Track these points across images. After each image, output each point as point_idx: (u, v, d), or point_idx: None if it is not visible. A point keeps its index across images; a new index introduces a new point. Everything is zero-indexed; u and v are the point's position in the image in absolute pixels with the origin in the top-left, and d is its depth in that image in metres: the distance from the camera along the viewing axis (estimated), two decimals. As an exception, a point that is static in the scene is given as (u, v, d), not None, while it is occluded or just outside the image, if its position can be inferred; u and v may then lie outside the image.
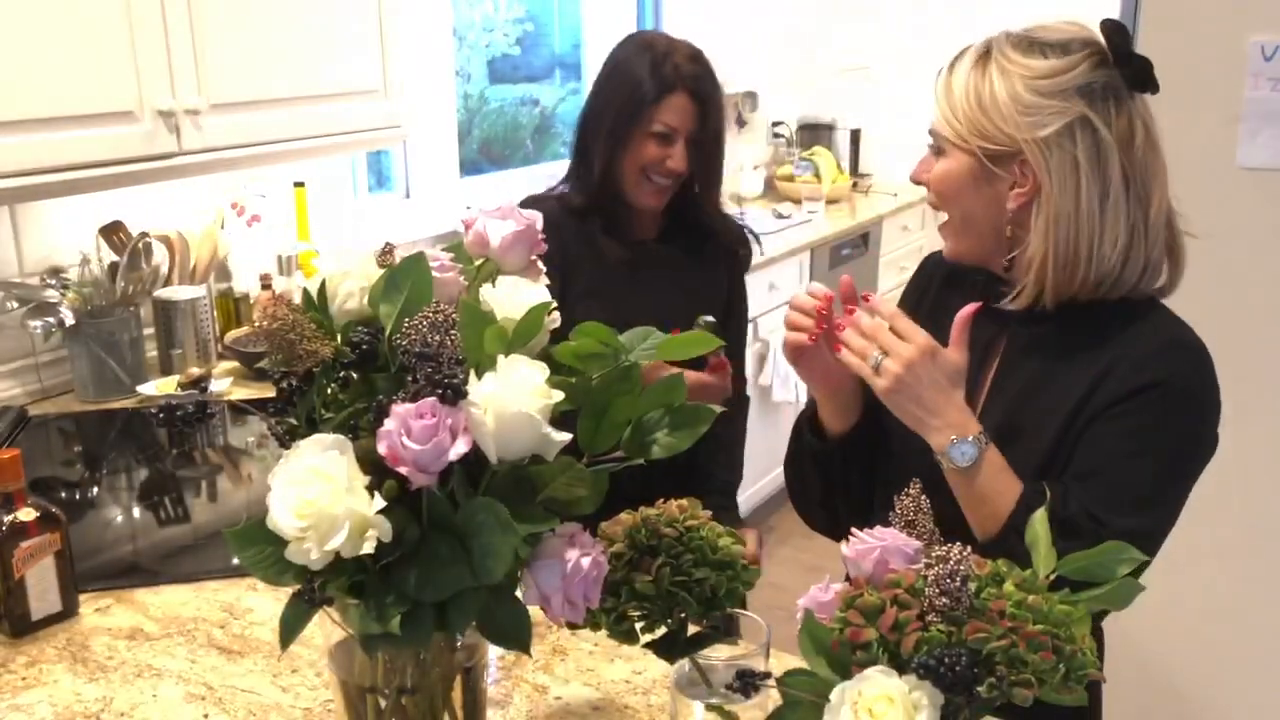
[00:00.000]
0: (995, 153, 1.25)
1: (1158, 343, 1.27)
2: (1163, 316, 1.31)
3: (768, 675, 0.96)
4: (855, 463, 1.42)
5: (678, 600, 0.99)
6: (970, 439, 1.22)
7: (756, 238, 2.16)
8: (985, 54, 1.27)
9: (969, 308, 1.26)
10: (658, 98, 1.88)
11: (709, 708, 1.03)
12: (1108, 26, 1.25)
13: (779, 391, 3.79)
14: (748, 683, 0.96)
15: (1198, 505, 2.19)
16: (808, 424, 1.45)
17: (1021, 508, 1.20)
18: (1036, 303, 1.28)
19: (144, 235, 2.23)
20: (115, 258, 2.22)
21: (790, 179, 4.63)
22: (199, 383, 2.17)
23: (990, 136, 1.25)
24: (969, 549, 0.88)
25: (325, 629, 0.99)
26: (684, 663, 1.07)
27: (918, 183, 1.36)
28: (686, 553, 1.00)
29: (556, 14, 4.06)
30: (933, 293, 1.48)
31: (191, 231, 2.42)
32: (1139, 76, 1.25)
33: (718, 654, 1.06)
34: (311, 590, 0.88)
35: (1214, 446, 1.28)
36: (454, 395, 0.86)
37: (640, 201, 1.93)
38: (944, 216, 1.36)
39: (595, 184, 1.94)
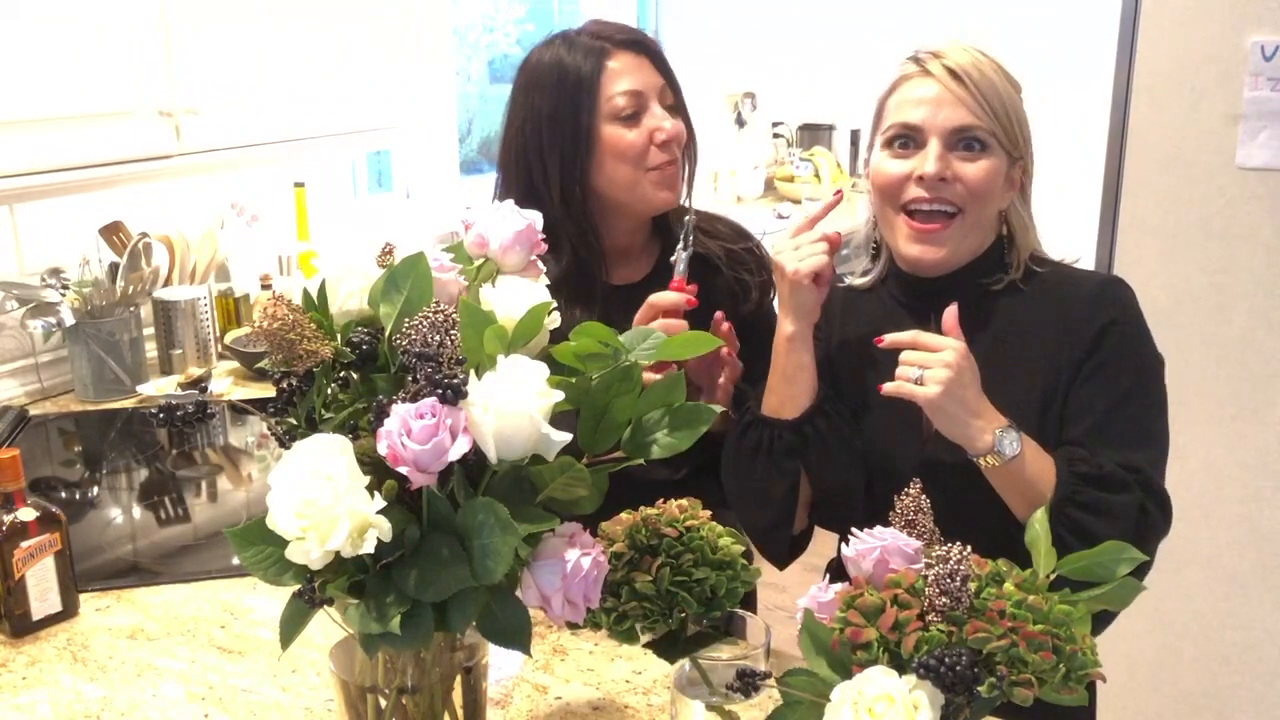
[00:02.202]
0: (1013, 156, 1.34)
1: (1089, 289, 1.36)
2: (1073, 269, 1.41)
3: (768, 675, 0.96)
4: (826, 447, 1.36)
5: (678, 600, 0.99)
6: (1009, 427, 1.25)
7: (757, 247, 1.66)
8: (988, 60, 1.33)
9: (953, 310, 1.29)
10: (596, 72, 1.47)
11: (709, 708, 1.03)
12: None
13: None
14: (748, 683, 0.96)
15: (1197, 504, 2.18)
16: (762, 424, 1.38)
17: (1065, 477, 1.25)
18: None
19: (144, 235, 2.23)
20: (115, 258, 2.22)
21: (790, 179, 4.63)
22: (199, 383, 2.18)
23: (1017, 141, 1.33)
24: (969, 549, 0.88)
25: (325, 629, 0.99)
26: (684, 663, 1.07)
27: (939, 181, 1.30)
28: (686, 553, 1.00)
29: (557, 14, 4.06)
30: (837, 326, 1.45)
31: (191, 231, 2.42)
32: None
33: (718, 654, 1.06)
34: (311, 590, 0.88)
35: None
36: (454, 395, 0.86)
37: (654, 200, 1.51)
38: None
39: (555, 220, 1.47)
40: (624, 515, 1.04)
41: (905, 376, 1.25)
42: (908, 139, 1.34)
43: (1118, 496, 1.24)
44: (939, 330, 1.30)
